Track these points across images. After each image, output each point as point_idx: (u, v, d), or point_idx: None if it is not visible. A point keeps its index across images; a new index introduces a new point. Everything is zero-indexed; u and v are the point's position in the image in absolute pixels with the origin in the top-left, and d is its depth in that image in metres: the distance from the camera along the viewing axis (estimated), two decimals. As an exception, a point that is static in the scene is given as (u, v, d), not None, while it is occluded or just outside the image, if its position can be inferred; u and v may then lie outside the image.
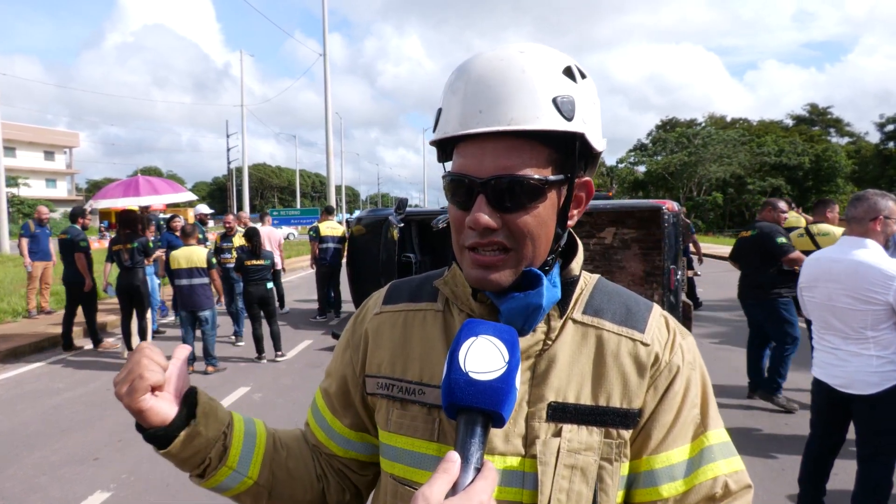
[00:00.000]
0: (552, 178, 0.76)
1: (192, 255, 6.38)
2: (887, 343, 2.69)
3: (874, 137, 48.87)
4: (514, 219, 0.75)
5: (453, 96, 0.78)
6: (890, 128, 45.30)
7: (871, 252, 2.71)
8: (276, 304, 9.55)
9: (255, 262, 6.82)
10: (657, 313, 0.86)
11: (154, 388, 0.77)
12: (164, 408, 0.77)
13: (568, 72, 0.77)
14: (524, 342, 0.81)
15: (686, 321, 6.13)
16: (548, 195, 0.77)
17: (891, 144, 45.51)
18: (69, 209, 8.20)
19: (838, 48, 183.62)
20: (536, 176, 0.74)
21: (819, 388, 2.98)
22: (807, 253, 6.31)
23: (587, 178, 0.83)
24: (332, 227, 9.43)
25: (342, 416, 0.96)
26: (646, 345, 0.82)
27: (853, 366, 2.77)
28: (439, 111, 0.82)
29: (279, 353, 7.09)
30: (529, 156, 0.75)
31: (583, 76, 0.79)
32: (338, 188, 50.55)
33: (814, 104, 54.73)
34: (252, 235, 6.93)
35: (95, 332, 7.72)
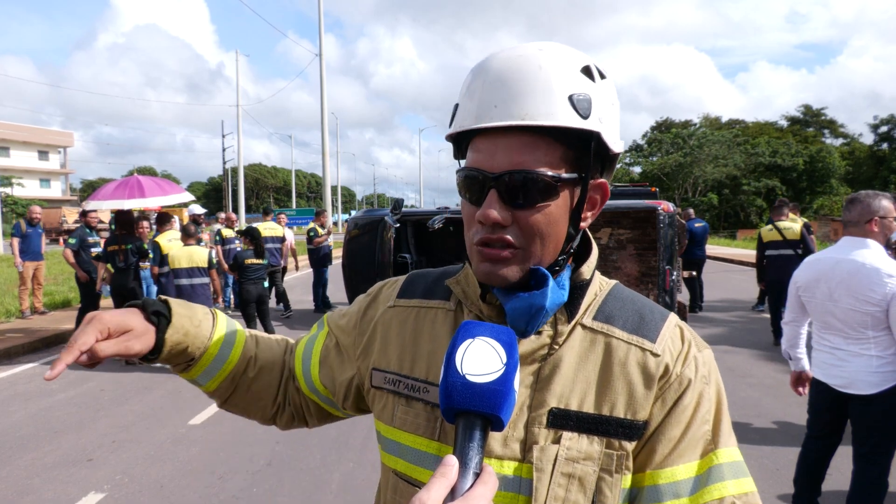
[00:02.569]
0: (566, 176, 0.75)
1: (193, 254, 6.37)
2: (888, 344, 2.68)
3: (868, 139, 49.14)
4: (524, 216, 0.75)
5: (471, 93, 0.77)
6: (883, 129, 45.53)
7: (872, 252, 2.71)
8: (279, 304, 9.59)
9: (255, 261, 6.92)
10: (672, 323, 0.83)
11: (110, 335, 0.81)
12: (135, 346, 0.84)
13: (586, 70, 0.76)
14: (529, 345, 0.80)
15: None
16: (560, 194, 0.76)
17: (884, 146, 45.74)
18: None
19: (828, 50, 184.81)
20: (550, 173, 0.73)
21: (818, 388, 2.98)
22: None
23: (603, 180, 0.81)
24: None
25: (324, 367, 0.99)
26: (656, 355, 0.79)
27: (853, 366, 2.77)
28: (456, 107, 0.81)
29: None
30: (544, 152, 0.74)
31: (602, 76, 0.78)
32: (333, 188, 50.43)
33: (808, 105, 54.85)
34: (255, 236, 7.06)
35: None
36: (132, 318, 0.84)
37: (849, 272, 2.73)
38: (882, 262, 2.67)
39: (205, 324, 0.94)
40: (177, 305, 0.91)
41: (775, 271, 7.09)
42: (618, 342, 0.80)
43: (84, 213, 8.05)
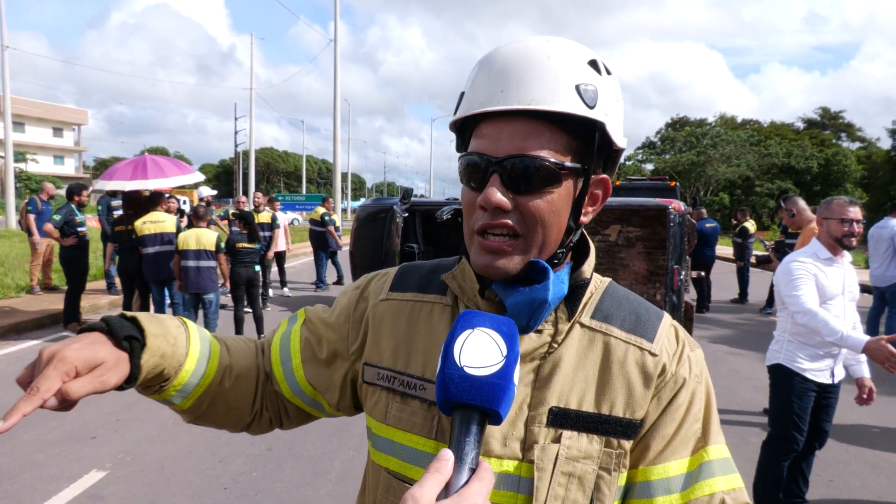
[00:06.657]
0: (569, 164, 0.74)
1: (202, 237, 6.38)
2: (784, 328, 3.08)
3: (885, 143, 48.37)
4: (526, 202, 0.73)
5: (477, 81, 0.77)
6: (902, 134, 44.76)
7: (799, 247, 3.27)
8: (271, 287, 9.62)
9: (246, 245, 7.00)
10: (667, 323, 0.84)
11: (78, 373, 0.69)
12: (111, 380, 0.72)
13: (593, 64, 0.77)
14: (530, 343, 0.79)
15: (687, 322, 6.11)
16: (563, 182, 0.75)
17: (902, 151, 45.02)
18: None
19: (841, 54, 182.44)
20: (553, 160, 0.73)
21: None
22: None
23: (605, 176, 0.80)
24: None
25: (309, 365, 0.93)
26: (654, 355, 0.80)
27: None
28: (461, 96, 0.81)
29: (262, 336, 7.12)
30: (548, 139, 0.73)
31: (608, 72, 0.78)
32: (344, 175, 50.46)
33: (825, 108, 54.11)
34: (248, 220, 7.12)
35: (70, 311, 7.49)
36: (100, 348, 0.72)
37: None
38: (793, 254, 3.07)
39: (180, 340, 0.84)
40: (149, 324, 0.79)
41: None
42: (616, 341, 0.80)
43: (71, 192, 7.84)
